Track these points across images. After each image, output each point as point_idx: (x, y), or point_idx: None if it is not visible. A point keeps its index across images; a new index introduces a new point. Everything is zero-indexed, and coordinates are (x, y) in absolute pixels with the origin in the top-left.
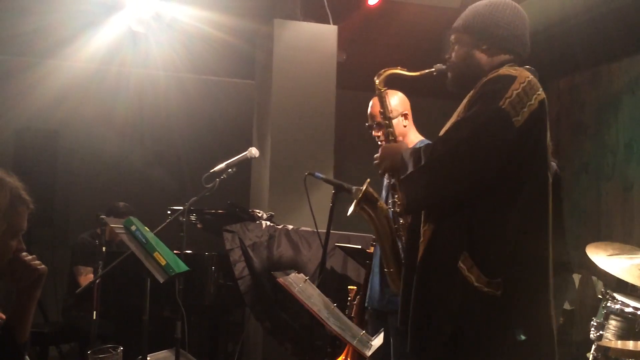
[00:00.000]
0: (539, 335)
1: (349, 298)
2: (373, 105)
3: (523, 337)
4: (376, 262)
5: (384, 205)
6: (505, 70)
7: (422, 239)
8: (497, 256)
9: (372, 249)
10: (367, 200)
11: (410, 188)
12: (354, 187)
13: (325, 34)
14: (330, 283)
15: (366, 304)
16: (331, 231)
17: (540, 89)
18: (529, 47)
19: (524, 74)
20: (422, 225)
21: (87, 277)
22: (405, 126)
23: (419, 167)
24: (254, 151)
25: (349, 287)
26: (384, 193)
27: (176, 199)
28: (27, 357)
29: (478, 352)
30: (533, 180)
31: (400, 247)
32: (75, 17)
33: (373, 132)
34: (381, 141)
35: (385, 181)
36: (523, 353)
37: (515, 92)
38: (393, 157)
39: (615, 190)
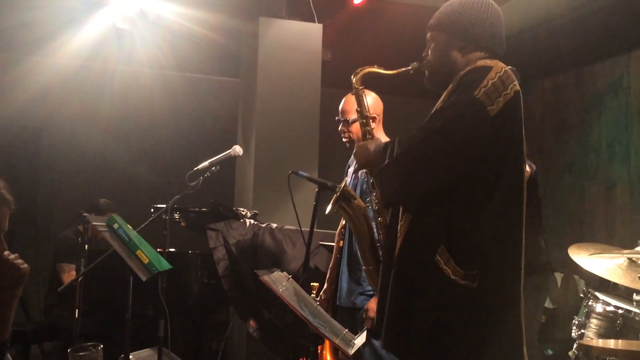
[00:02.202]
0: (510, 331)
1: (312, 294)
2: (346, 101)
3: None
4: (344, 259)
5: (362, 203)
6: (481, 62)
7: (399, 234)
8: (472, 249)
9: (341, 243)
10: (345, 199)
11: (386, 179)
12: (338, 186)
13: (311, 32)
14: (314, 281)
15: (337, 301)
16: (315, 230)
17: (516, 80)
18: (504, 44)
19: (500, 65)
20: (399, 221)
21: (70, 274)
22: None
23: (393, 158)
24: (238, 149)
25: (311, 283)
26: (349, 181)
27: (160, 196)
28: (8, 355)
29: (457, 344)
30: (509, 172)
31: (378, 245)
32: (59, 13)
33: (340, 127)
34: (346, 138)
35: (350, 177)
36: (498, 346)
37: (490, 82)
38: (366, 152)
39: (598, 189)
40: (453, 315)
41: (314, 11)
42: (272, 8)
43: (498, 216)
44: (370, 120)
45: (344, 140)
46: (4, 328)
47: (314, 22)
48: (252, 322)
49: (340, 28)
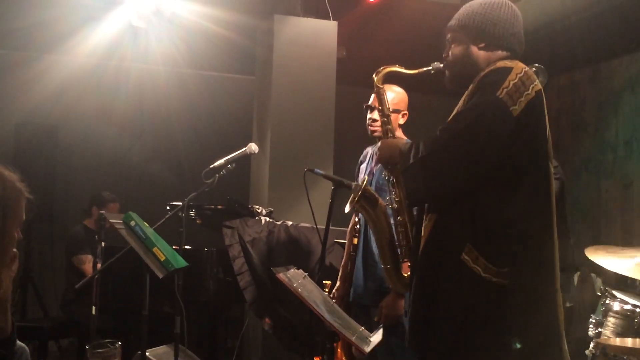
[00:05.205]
0: (546, 325)
1: (325, 292)
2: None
3: (519, 345)
4: (359, 256)
5: (382, 203)
6: (501, 63)
7: (423, 234)
8: (502, 246)
9: (355, 241)
10: (366, 199)
11: (411, 180)
12: (354, 183)
13: (326, 29)
14: (330, 279)
15: (351, 299)
16: (330, 227)
17: (537, 80)
18: (524, 43)
19: (520, 65)
20: (423, 221)
21: (90, 264)
22: (400, 125)
23: (418, 158)
24: (253, 147)
25: (323, 281)
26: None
27: (176, 194)
28: (26, 348)
29: (488, 342)
30: (534, 169)
31: (397, 243)
32: (75, 12)
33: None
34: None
35: (364, 173)
36: (531, 346)
37: (512, 82)
38: (391, 150)
39: (615, 187)
40: (484, 313)
41: (328, 8)
42: (287, 5)
43: (525, 213)
44: (400, 116)
45: (375, 134)
46: (3, 321)
47: (329, 19)
48: (267, 319)
49: (355, 25)
